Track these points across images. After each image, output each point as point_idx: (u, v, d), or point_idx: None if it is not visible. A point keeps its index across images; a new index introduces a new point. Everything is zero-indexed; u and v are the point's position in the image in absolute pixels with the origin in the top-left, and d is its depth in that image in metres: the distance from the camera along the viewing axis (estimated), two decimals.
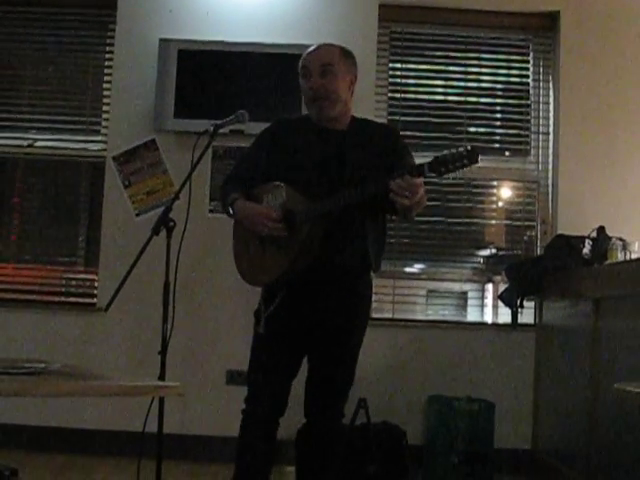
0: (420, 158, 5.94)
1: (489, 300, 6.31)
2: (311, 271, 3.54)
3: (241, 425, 3.69)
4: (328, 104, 3.65)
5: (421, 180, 3.28)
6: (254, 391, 3.68)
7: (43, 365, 2.51)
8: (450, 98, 6.32)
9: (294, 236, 3.51)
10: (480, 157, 3.23)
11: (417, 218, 6.02)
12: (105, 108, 6.15)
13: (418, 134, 6.17)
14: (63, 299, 6.10)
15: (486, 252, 6.31)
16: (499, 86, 6.36)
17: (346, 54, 3.75)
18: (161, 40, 5.88)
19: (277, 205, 3.57)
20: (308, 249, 3.51)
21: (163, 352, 3.92)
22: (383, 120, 6.08)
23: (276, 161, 3.71)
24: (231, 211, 3.70)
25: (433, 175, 3.26)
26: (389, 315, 6.07)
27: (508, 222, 6.33)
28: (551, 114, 6.21)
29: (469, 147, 3.23)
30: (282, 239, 3.52)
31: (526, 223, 6.24)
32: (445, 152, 3.27)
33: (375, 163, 3.61)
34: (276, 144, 3.75)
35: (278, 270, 3.56)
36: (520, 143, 6.30)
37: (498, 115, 6.36)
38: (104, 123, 6.14)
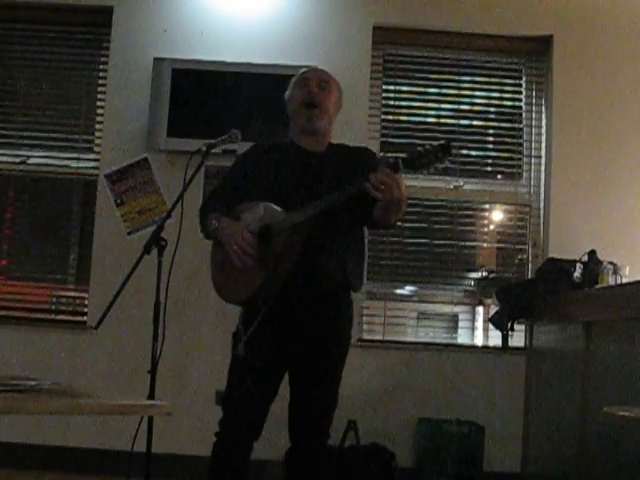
0: (412, 180, 6.01)
1: (480, 323, 6.31)
2: (289, 289, 3.49)
3: (214, 449, 3.61)
4: (319, 113, 3.68)
5: (399, 175, 3.28)
6: (231, 415, 3.59)
7: (33, 383, 2.50)
8: (443, 121, 6.34)
9: (270, 249, 3.48)
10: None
11: (409, 240, 6.09)
12: (98, 126, 6.16)
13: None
14: (53, 317, 6.09)
15: (477, 275, 6.32)
16: (492, 109, 6.38)
17: (339, 86, 3.86)
18: (155, 59, 5.89)
19: (255, 221, 3.53)
20: (285, 262, 3.46)
21: (153, 371, 3.91)
22: (376, 142, 6.10)
23: (254, 183, 3.68)
24: (212, 231, 3.66)
25: (409, 171, 3.28)
26: (380, 337, 6.07)
27: (499, 245, 6.34)
28: (543, 138, 6.24)
29: (443, 142, 3.26)
30: (258, 254, 3.48)
31: (517, 246, 6.25)
32: (419, 147, 3.30)
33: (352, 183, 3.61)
34: (254, 167, 3.73)
35: (254, 285, 3.50)
36: (512, 166, 6.32)
37: (490, 138, 6.38)
38: (97, 141, 6.15)
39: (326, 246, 3.54)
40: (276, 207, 3.52)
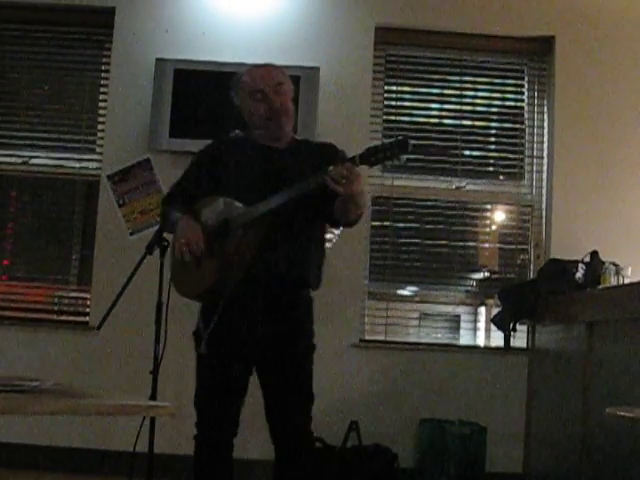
0: (413, 181, 6.02)
1: (482, 323, 6.31)
2: (247, 284, 3.48)
3: (195, 450, 3.60)
4: (286, 120, 3.65)
5: (359, 170, 3.28)
6: (204, 415, 3.59)
7: (35, 383, 2.50)
8: (445, 121, 6.33)
9: (227, 244, 3.47)
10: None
11: (410, 240, 6.09)
12: (100, 127, 6.15)
13: (412, 157, 6.18)
14: (55, 317, 6.09)
15: (479, 275, 6.32)
16: (494, 110, 6.38)
17: (284, 73, 3.75)
18: (157, 60, 5.89)
19: (214, 216, 3.52)
20: (241, 256, 3.46)
21: (155, 372, 3.92)
22: (378, 142, 6.08)
23: (216, 179, 3.65)
24: (173, 227, 3.62)
25: (365, 165, 3.27)
26: (382, 337, 6.06)
27: (501, 245, 6.34)
28: (545, 138, 6.23)
29: (400, 137, 3.27)
30: (215, 248, 3.47)
31: (519, 247, 6.25)
32: (377, 143, 3.33)
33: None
34: (216, 162, 3.70)
35: (210, 279, 3.50)
36: (514, 167, 6.31)
37: (492, 139, 6.38)
38: (99, 142, 6.14)
39: (284, 243, 3.53)
40: (236, 202, 3.51)
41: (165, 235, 3.84)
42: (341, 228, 4.92)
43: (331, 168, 3.26)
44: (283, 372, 3.58)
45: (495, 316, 5.72)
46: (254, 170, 3.63)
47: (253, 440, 3.74)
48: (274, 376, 3.60)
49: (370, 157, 3.27)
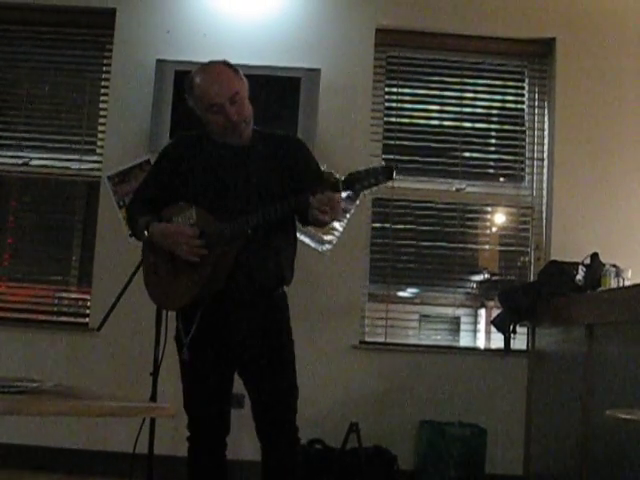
0: (413, 183, 6.03)
1: (482, 325, 6.31)
2: (225, 291, 3.50)
3: (188, 452, 3.65)
4: (245, 126, 3.62)
5: (340, 196, 3.28)
6: (193, 417, 3.62)
7: (35, 384, 2.50)
8: (445, 123, 6.33)
9: (206, 258, 3.47)
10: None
11: (411, 242, 6.10)
12: (101, 128, 6.16)
13: (413, 158, 6.19)
14: (55, 318, 6.10)
15: (479, 277, 6.32)
16: (494, 112, 6.38)
17: (237, 71, 3.67)
18: (158, 61, 5.89)
19: (187, 226, 3.52)
20: (221, 270, 3.47)
21: (155, 373, 3.92)
22: (379, 144, 6.11)
23: (180, 180, 3.64)
24: (146, 233, 3.60)
25: (349, 191, 3.28)
26: (381, 339, 6.06)
27: (502, 247, 6.34)
28: (546, 140, 6.23)
29: (384, 163, 3.28)
30: (195, 261, 3.48)
31: (520, 249, 6.25)
32: (360, 169, 3.31)
33: (280, 177, 3.61)
34: (178, 162, 3.69)
35: (190, 293, 3.51)
36: (514, 169, 6.31)
37: (493, 140, 6.38)
38: (100, 143, 6.15)
39: (261, 246, 3.54)
40: (207, 213, 3.51)
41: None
42: (340, 228, 4.92)
43: (312, 199, 3.26)
44: (265, 369, 3.61)
45: (495, 318, 5.72)
46: (218, 170, 3.62)
47: (247, 441, 3.74)
48: (256, 374, 3.62)
49: (354, 184, 3.27)
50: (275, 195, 3.49)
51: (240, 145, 3.66)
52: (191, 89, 3.64)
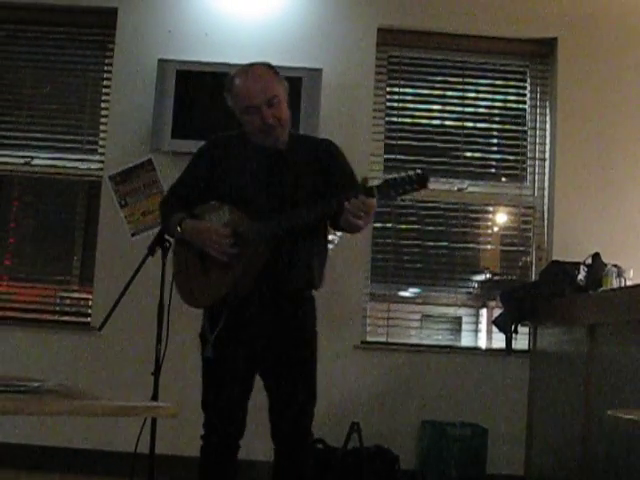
0: None
1: (483, 325, 6.31)
2: (255, 291, 3.52)
3: (202, 451, 3.66)
4: (281, 131, 3.61)
5: (374, 201, 3.29)
6: (211, 416, 3.64)
7: (37, 384, 2.50)
8: (447, 123, 6.33)
9: (237, 257, 3.49)
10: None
11: (412, 242, 6.10)
12: (103, 127, 6.16)
13: (415, 158, 6.19)
14: (57, 318, 6.10)
15: (481, 277, 6.32)
16: (496, 111, 6.38)
17: (277, 74, 3.66)
18: (160, 60, 5.89)
19: (221, 224, 3.54)
20: (251, 270, 3.49)
21: (156, 372, 3.91)
22: (380, 143, 6.11)
23: (215, 180, 3.66)
24: (179, 230, 3.62)
25: (382, 198, 3.29)
26: (383, 339, 6.06)
27: (503, 247, 6.34)
28: (547, 140, 6.23)
29: (419, 171, 3.27)
30: (224, 260, 3.50)
31: (521, 249, 6.25)
32: (395, 175, 3.31)
33: (315, 180, 3.62)
34: (214, 163, 3.70)
35: (220, 292, 3.53)
36: (516, 168, 6.31)
37: (494, 140, 6.38)
38: (101, 142, 6.15)
39: (293, 248, 3.55)
40: (240, 212, 3.53)
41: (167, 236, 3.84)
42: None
43: (347, 203, 3.26)
44: (288, 373, 3.62)
45: (497, 318, 5.72)
46: (254, 172, 3.63)
47: (255, 441, 3.74)
48: (279, 377, 3.63)
49: (389, 190, 3.28)
50: (308, 199, 3.49)
51: (276, 148, 3.65)
52: (230, 89, 3.65)
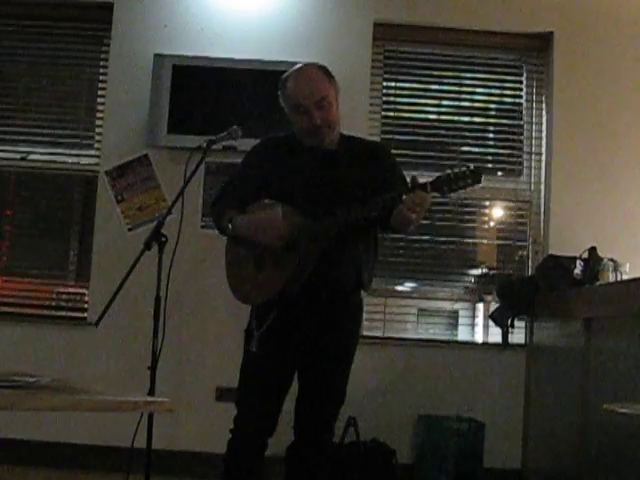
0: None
1: (480, 319, 6.31)
2: (305, 289, 3.53)
3: (229, 445, 3.65)
4: (329, 131, 3.65)
5: (429, 196, 3.32)
6: (244, 411, 3.64)
7: (33, 379, 2.50)
8: (443, 117, 6.33)
9: (291, 254, 3.50)
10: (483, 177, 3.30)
11: (409, 237, 6.09)
12: (99, 122, 6.15)
13: (411, 153, 6.19)
14: (53, 313, 6.09)
15: (477, 271, 6.32)
16: (492, 106, 6.38)
17: (330, 76, 3.71)
18: (155, 55, 5.88)
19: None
20: (305, 268, 3.50)
21: (153, 367, 3.91)
22: (376, 138, 6.09)
23: (268, 180, 3.69)
24: (230, 227, 3.66)
25: (436, 193, 3.30)
26: (380, 333, 6.07)
27: (500, 242, 6.34)
28: (544, 134, 6.23)
29: (472, 167, 3.29)
30: (279, 256, 3.51)
31: (518, 243, 6.25)
32: (448, 171, 3.36)
33: (366, 181, 3.62)
34: (267, 163, 3.73)
35: (273, 288, 3.54)
36: (512, 163, 6.31)
37: (491, 135, 6.37)
38: (97, 137, 6.14)
39: (344, 248, 3.58)
40: (294, 211, 3.53)
41: (164, 231, 3.84)
42: None
43: (404, 197, 3.28)
44: (325, 374, 3.67)
45: (493, 312, 5.72)
46: (306, 172, 3.66)
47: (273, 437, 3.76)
48: (316, 376, 3.68)
49: (443, 186, 3.32)
50: (359, 200, 3.48)
51: (327, 149, 3.69)
52: (283, 88, 3.71)
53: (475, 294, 6.28)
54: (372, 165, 3.70)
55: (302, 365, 3.68)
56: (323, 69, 3.72)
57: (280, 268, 3.53)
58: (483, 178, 3.33)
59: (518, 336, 5.84)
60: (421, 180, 3.37)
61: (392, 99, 6.32)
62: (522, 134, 6.30)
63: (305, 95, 3.61)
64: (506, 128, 6.34)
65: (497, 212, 6.37)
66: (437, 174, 3.40)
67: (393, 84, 6.33)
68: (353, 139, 3.86)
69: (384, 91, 6.29)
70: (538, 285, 5.46)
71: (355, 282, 3.66)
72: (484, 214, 6.37)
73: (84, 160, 6.13)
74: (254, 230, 3.57)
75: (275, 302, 3.56)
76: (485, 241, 6.37)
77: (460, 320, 6.38)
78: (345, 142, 3.78)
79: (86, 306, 5.99)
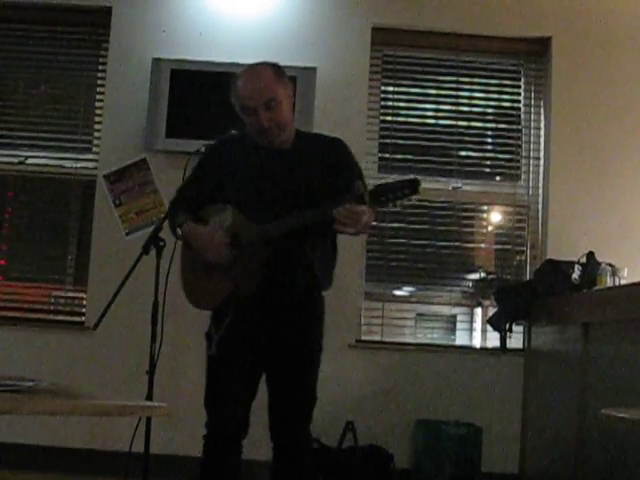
0: None
1: (478, 324, 6.31)
2: (259, 292, 3.51)
3: (204, 451, 3.63)
4: (278, 132, 3.57)
5: (365, 207, 3.21)
6: (213, 415, 3.61)
7: (30, 383, 2.49)
8: (441, 122, 6.33)
9: (238, 260, 3.49)
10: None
11: (407, 241, 6.09)
12: (97, 126, 6.15)
13: (409, 157, 6.19)
14: (51, 317, 6.09)
15: (475, 276, 6.32)
16: (490, 110, 6.38)
17: (281, 75, 3.62)
18: (154, 59, 5.89)
19: (223, 228, 3.54)
20: (252, 272, 3.49)
21: (151, 372, 3.91)
22: (375, 142, 6.10)
23: (221, 181, 3.65)
24: (179, 232, 3.65)
25: (374, 204, 3.24)
26: (378, 338, 6.06)
27: (498, 246, 6.34)
28: (542, 139, 6.24)
29: (411, 177, 3.22)
30: (227, 262, 3.50)
31: (516, 248, 6.25)
32: (387, 181, 3.28)
33: (321, 180, 3.57)
34: (220, 164, 3.69)
35: (222, 294, 3.54)
36: (511, 168, 6.31)
37: (489, 139, 6.37)
38: (96, 141, 6.14)
39: (293, 249, 3.55)
40: (243, 216, 3.52)
41: (162, 235, 3.84)
42: None
43: (335, 211, 3.21)
44: (291, 374, 3.62)
45: (491, 317, 5.72)
46: (259, 173, 3.63)
47: (255, 441, 3.73)
48: (281, 377, 3.63)
49: (380, 196, 3.22)
50: (312, 200, 3.44)
51: (281, 148, 3.64)
52: (233, 88, 3.63)
53: (473, 299, 6.29)
54: (327, 162, 3.63)
55: (267, 369, 3.64)
56: (274, 68, 3.63)
57: (226, 273, 3.52)
58: (421, 188, 3.24)
59: (516, 341, 5.84)
60: (360, 190, 3.23)
61: (390, 103, 6.32)
62: (520, 139, 6.30)
63: (252, 96, 3.53)
64: (504, 133, 6.34)
65: (495, 217, 6.37)
66: (378, 183, 3.32)
67: (391, 88, 6.33)
68: (309, 136, 3.83)
69: (382, 95, 6.29)
70: (536, 290, 5.45)
71: (308, 281, 3.62)
72: (482, 219, 6.38)
73: (82, 164, 6.13)
74: (195, 246, 3.58)
75: (231, 305, 3.54)
76: (483, 246, 6.37)
77: (458, 325, 6.37)
78: (300, 140, 3.71)
79: (84, 310, 5.98)
